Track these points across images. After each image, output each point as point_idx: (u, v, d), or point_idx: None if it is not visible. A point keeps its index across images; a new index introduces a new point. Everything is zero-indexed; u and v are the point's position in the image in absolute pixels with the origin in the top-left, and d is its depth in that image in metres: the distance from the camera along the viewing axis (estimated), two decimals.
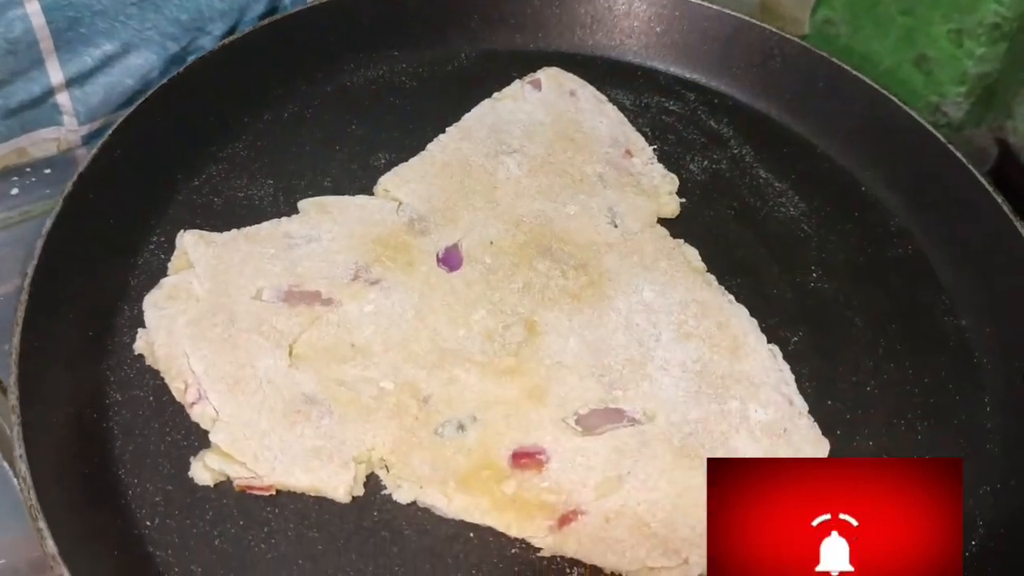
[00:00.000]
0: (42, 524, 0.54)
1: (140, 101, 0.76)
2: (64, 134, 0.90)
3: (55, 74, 0.85)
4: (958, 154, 0.80)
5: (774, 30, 0.89)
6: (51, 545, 0.53)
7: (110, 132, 0.73)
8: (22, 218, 0.83)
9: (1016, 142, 0.96)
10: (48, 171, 0.87)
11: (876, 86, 0.85)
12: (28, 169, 0.87)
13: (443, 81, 0.88)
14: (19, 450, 0.57)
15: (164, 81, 0.78)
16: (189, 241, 0.71)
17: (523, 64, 0.88)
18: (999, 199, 0.77)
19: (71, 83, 0.86)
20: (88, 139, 0.91)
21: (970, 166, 0.79)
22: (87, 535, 0.57)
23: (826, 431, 0.67)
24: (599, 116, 0.84)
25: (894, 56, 0.96)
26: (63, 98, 0.87)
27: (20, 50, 0.81)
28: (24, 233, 0.81)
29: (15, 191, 0.85)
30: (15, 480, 0.65)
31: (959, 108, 0.95)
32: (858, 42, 0.97)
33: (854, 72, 0.86)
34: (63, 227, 0.68)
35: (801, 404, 0.68)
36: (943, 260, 0.79)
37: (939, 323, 0.76)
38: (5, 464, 0.66)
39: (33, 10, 0.79)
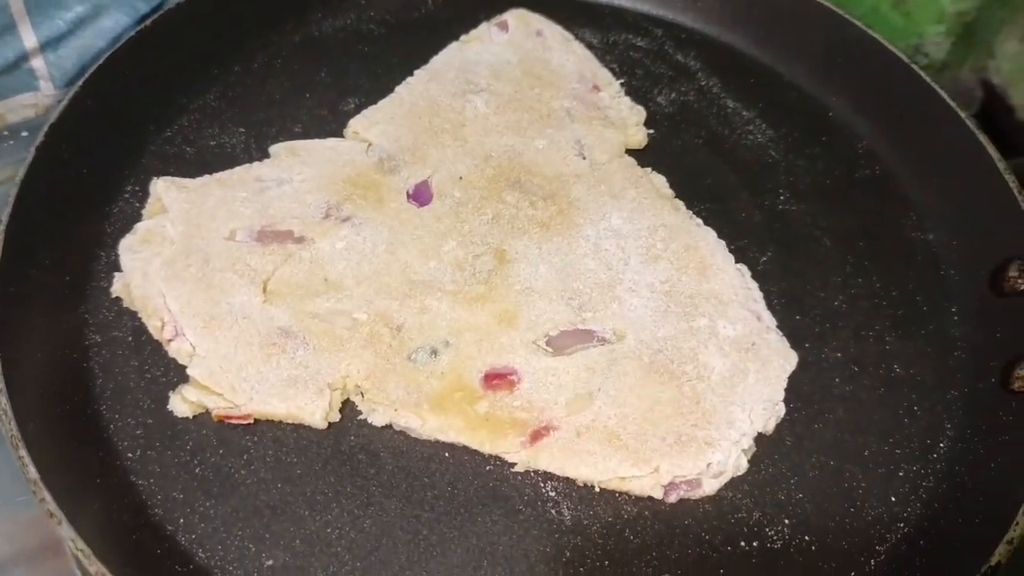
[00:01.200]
0: (23, 452, 0.55)
1: (109, 53, 0.77)
2: (40, 99, 0.90)
3: (28, 38, 0.86)
4: (922, 74, 0.81)
5: None
6: (32, 471, 0.55)
7: (80, 84, 0.74)
8: (1, 180, 0.84)
9: (999, 82, 0.95)
10: (26, 134, 0.88)
11: (840, 12, 0.86)
12: (5, 133, 0.88)
13: (410, 27, 0.89)
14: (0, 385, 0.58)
15: (133, 33, 0.79)
16: (162, 187, 0.72)
17: (490, 7, 0.88)
18: (962, 114, 0.77)
19: (45, 47, 0.87)
20: None
21: (934, 85, 0.80)
22: (68, 464, 0.58)
23: (795, 344, 0.68)
24: (566, 54, 0.84)
25: None
26: (38, 63, 0.88)
27: None
28: (2, 195, 0.82)
29: None
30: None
31: (939, 48, 0.95)
32: None
33: (818, 0, 0.87)
34: (36, 177, 0.69)
35: (769, 319, 0.69)
36: (910, 178, 0.80)
37: (906, 238, 0.76)
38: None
39: None
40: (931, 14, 0.92)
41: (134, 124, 0.77)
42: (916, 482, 0.63)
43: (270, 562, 0.58)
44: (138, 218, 0.72)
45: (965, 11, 0.93)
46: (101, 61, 0.76)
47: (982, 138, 0.75)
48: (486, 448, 0.62)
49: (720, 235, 0.73)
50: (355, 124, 0.78)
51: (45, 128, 0.71)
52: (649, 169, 0.77)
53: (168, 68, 0.80)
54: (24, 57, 0.87)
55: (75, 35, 0.88)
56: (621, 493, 0.61)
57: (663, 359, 0.65)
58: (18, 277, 0.65)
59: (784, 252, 0.74)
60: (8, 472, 0.63)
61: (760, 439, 0.64)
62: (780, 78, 0.87)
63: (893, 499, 0.63)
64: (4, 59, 0.85)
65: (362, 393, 0.64)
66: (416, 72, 0.82)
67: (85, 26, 0.88)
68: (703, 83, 0.86)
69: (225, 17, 0.84)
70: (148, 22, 0.80)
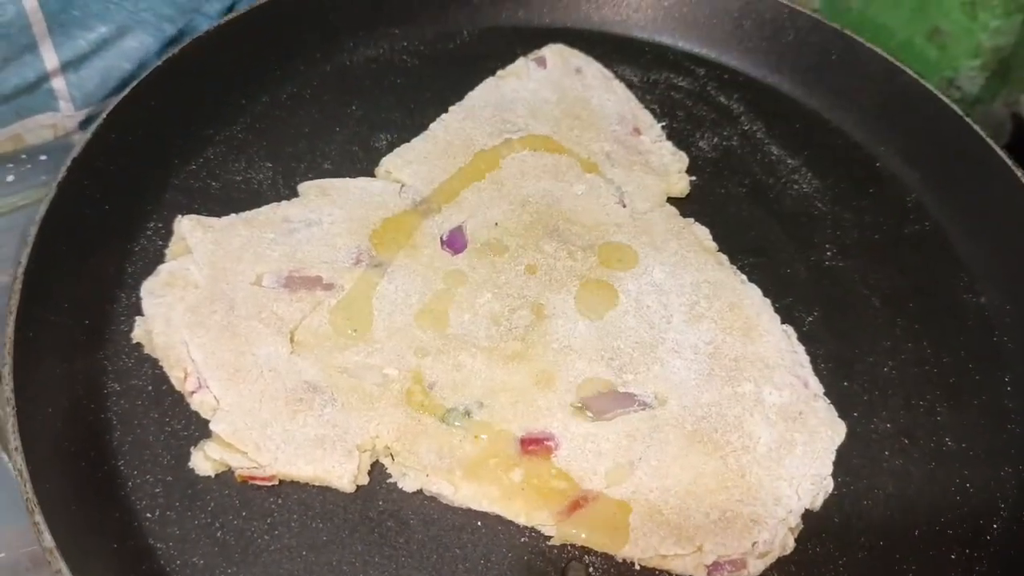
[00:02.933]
0: (39, 518, 0.53)
1: (134, 84, 0.74)
2: (60, 120, 0.88)
3: (49, 58, 0.84)
4: (975, 127, 0.78)
5: (785, 2, 0.86)
6: (48, 539, 0.52)
7: (104, 116, 0.71)
8: (19, 205, 0.82)
9: None
10: (44, 158, 0.86)
11: (890, 58, 0.83)
12: (24, 156, 0.86)
13: (445, 59, 0.86)
14: (15, 442, 0.55)
15: (159, 63, 0.76)
16: (187, 227, 0.69)
17: (526, 41, 0.86)
18: (1018, 172, 0.74)
19: (66, 67, 0.84)
20: (85, 124, 0.89)
21: (988, 139, 0.77)
22: (85, 528, 0.55)
23: (843, 413, 0.65)
24: (606, 93, 0.81)
25: (907, 29, 0.93)
26: (58, 83, 0.85)
27: (12, 34, 0.79)
28: (21, 221, 0.79)
29: (11, 178, 0.83)
30: (13, 472, 0.64)
31: (973, 82, 0.92)
32: (870, 15, 0.95)
33: (867, 44, 0.84)
34: (57, 214, 0.66)
35: (816, 386, 0.66)
36: (962, 236, 0.77)
37: (958, 301, 0.73)
38: (4, 456, 0.65)
39: None
40: (967, 49, 0.90)
41: (158, 157, 0.75)
42: (969, 565, 0.61)
43: None
44: (160, 257, 0.69)
45: (1001, 46, 0.90)
46: (125, 92, 0.73)
47: None
48: (522, 520, 0.59)
49: (765, 292, 0.70)
50: (388, 163, 0.75)
51: (68, 163, 0.68)
52: (692, 220, 0.74)
53: (194, 98, 0.78)
54: (45, 77, 0.84)
55: (98, 56, 0.85)
56: (661, 571, 0.59)
57: (707, 427, 0.63)
58: (36, 321, 0.62)
59: (831, 312, 0.71)
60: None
61: (807, 516, 0.61)
62: (826, 124, 0.84)
63: None
64: (24, 79, 0.83)
65: (392, 455, 0.61)
66: (451, 108, 0.79)
67: (108, 47, 0.86)
68: (746, 127, 0.83)
69: (253, 45, 0.81)
70: (175, 50, 0.77)
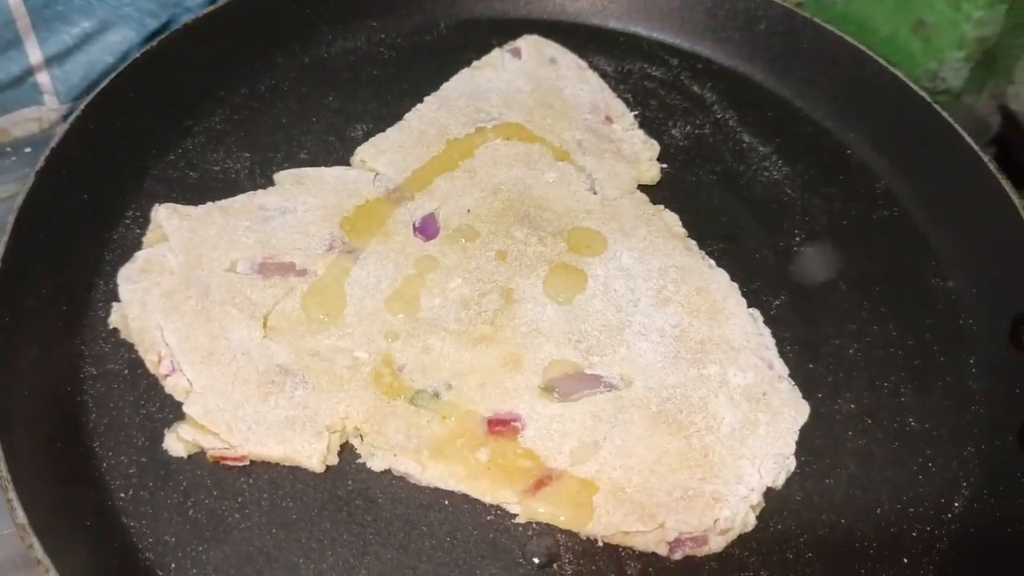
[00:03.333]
0: (11, 495, 0.54)
1: (113, 75, 0.75)
2: (45, 113, 0.89)
3: (34, 53, 0.85)
4: (943, 113, 0.79)
5: None
6: (21, 515, 0.53)
7: (83, 107, 0.72)
8: (2, 197, 0.83)
9: (1018, 108, 0.93)
10: (28, 150, 0.87)
11: (861, 47, 0.84)
12: (8, 149, 0.87)
13: (422, 51, 0.87)
14: None
15: (138, 55, 0.77)
16: (163, 215, 0.71)
17: (503, 32, 0.87)
18: (985, 158, 0.75)
19: (50, 62, 0.86)
20: (69, 118, 0.90)
21: (955, 125, 0.78)
22: (59, 506, 0.57)
23: (807, 394, 0.66)
24: (579, 83, 0.82)
25: (891, 22, 0.93)
26: (43, 77, 0.87)
27: None
28: (3, 212, 0.81)
29: None
30: None
31: (958, 74, 0.92)
32: (854, 8, 0.95)
33: (838, 33, 0.85)
34: (36, 203, 0.67)
35: (781, 367, 0.67)
36: (930, 221, 0.78)
37: (926, 285, 0.74)
38: None
39: None
40: (951, 40, 0.90)
41: (137, 147, 0.76)
42: (929, 543, 0.61)
43: None
44: (138, 245, 0.71)
45: (986, 37, 0.91)
46: (104, 83, 0.74)
47: (1005, 184, 0.73)
48: (487, 497, 0.60)
49: (733, 277, 0.71)
50: (363, 152, 0.76)
51: (46, 152, 0.69)
52: (661, 206, 0.75)
53: (173, 89, 0.79)
54: (29, 72, 0.85)
55: (81, 50, 0.87)
56: (625, 548, 0.60)
57: (671, 408, 0.64)
58: (13, 307, 0.63)
59: (798, 296, 0.72)
60: None
61: (769, 494, 0.62)
62: (798, 112, 0.85)
63: (905, 560, 0.61)
64: (9, 73, 0.84)
65: (361, 436, 0.62)
66: (426, 99, 0.80)
67: (92, 41, 0.87)
68: (719, 116, 0.84)
69: (232, 37, 0.83)
70: (154, 43, 0.79)
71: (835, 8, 0.96)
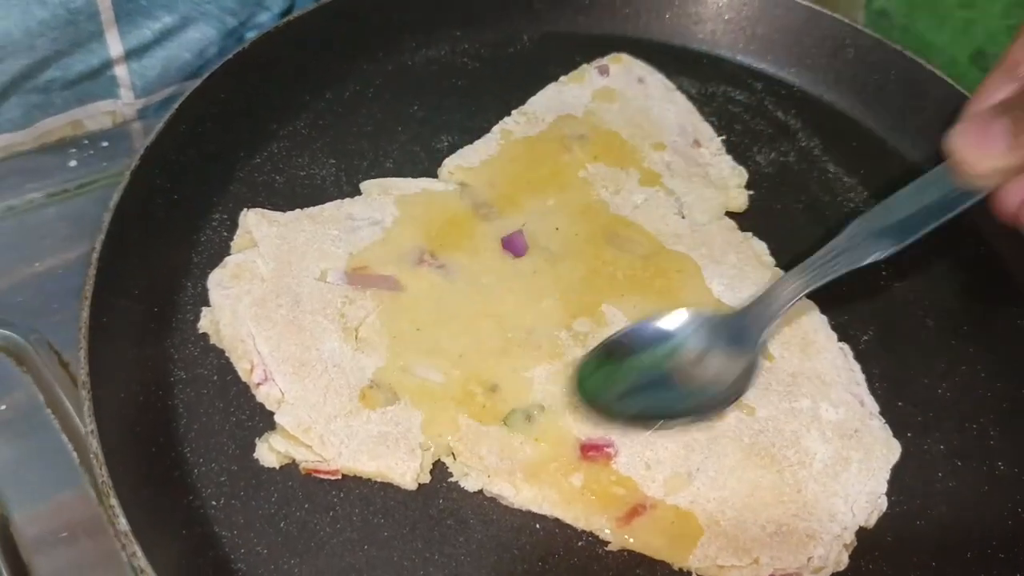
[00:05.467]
0: (114, 501, 0.54)
1: (204, 77, 0.75)
2: (120, 107, 0.89)
3: (114, 46, 0.85)
4: None
5: (847, 20, 0.86)
6: (123, 523, 0.53)
7: (175, 108, 0.72)
8: (78, 191, 0.83)
9: None
10: (105, 144, 0.87)
11: (950, 81, 0.83)
12: (86, 141, 0.87)
13: (505, 63, 0.87)
14: (91, 425, 0.56)
15: (228, 57, 0.77)
16: (252, 220, 0.70)
17: (586, 48, 0.87)
18: None
19: (130, 56, 0.86)
20: (143, 113, 0.90)
21: None
22: (156, 512, 0.56)
23: (897, 433, 0.65)
24: (667, 104, 0.82)
25: (950, 51, 0.93)
26: (121, 71, 0.87)
27: (81, 21, 0.80)
28: (80, 206, 0.81)
29: (73, 163, 0.84)
30: (73, 453, 0.65)
31: None
32: (913, 36, 0.94)
33: (928, 66, 0.84)
34: (129, 202, 0.67)
35: (872, 404, 0.66)
36: (1018, 260, 0.77)
37: (1013, 324, 0.74)
38: (63, 436, 0.66)
39: None
40: None
41: (224, 150, 0.76)
42: None
43: None
44: (225, 248, 0.70)
45: None
46: (197, 85, 0.74)
47: None
48: (580, 523, 0.60)
49: (821, 309, 0.70)
50: (450, 164, 0.76)
51: (142, 151, 0.69)
52: (750, 234, 0.75)
53: (260, 93, 0.78)
54: (108, 64, 0.85)
55: (160, 45, 0.87)
56: None
57: (764, 441, 0.63)
58: (109, 308, 0.63)
59: (886, 332, 0.72)
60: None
61: (861, 533, 0.61)
62: (883, 144, 0.84)
63: None
64: (89, 65, 0.84)
65: (454, 455, 0.62)
66: (513, 112, 0.80)
67: (171, 37, 0.87)
68: (803, 144, 0.83)
69: (317, 43, 0.82)
70: (244, 45, 0.78)
71: (893, 34, 0.95)
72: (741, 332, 0.64)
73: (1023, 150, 0.55)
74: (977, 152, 0.56)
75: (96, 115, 0.89)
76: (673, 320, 0.64)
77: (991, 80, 0.62)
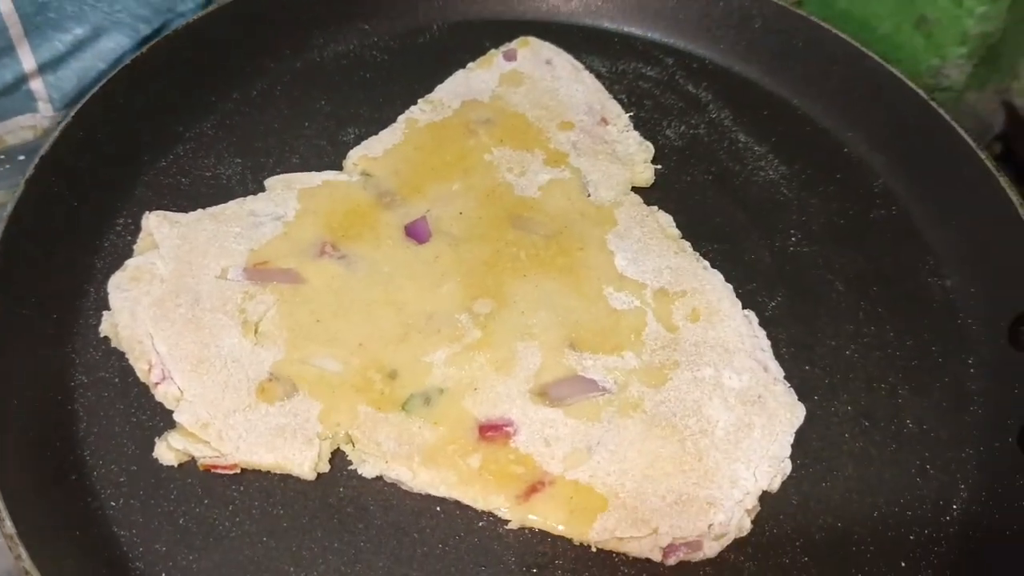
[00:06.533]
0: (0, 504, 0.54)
1: (103, 81, 0.75)
2: (39, 120, 0.89)
3: (27, 60, 0.85)
4: (941, 111, 0.78)
5: None
6: (8, 525, 0.53)
7: (73, 113, 0.72)
8: None
9: (1023, 104, 0.92)
10: (22, 158, 0.87)
11: (857, 44, 0.83)
12: (2, 156, 0.87)
13: (415, 54, 0.87)
14: None
15: (128, 61, 0.77)
16: (154, 222, 0.70)
17: (496, 34, 0.86)
18: (983, 155, 0.74)
19: (44, 69, 0.85)
20: None
21: (954, 123, 0.77)
22: (48, 516, 0.56)
23: (803, 396, 0.65)
24: (575, 84, 0.82)
25: (893, 19, 0.92)
26: (36, 84, 0.87)
27: None
28: None
29: None
30: None
31: (961, 70, 0.91)
32: (857, 6, 0.94)
33: (835, 31, 0.84)
34: (26, 210, 0.67)
35: (777, 369, 0.66)
36: (928, 220, 0.77)
37: (923, 284, 0.74)
38: None
39: None
40: (953, 36, 0.89)
41: (128, 154, 0.76)
42: (928, 547, 0.61)
43: None
44: (129, 252, 0.70)
45: (989, 33, 0.90)
46: (94, 90, 0.74)
47: (1003, 181, 0.72)
48: (479, 504, 0.60)
49: (728, 278, 0.70)
50: (354, 156, 0.76)
51: (36, 160, 0.69)
52: (655, 207, 0.75)
53: (164, 96, 0.79)
54: (23, 79, 0.85)
55: (74, 57, 0.87)
56: (618, 554, 0.59)
57: (665, 411, 0.63)
58: (4, 316, 0.63)
59: (794, 297, 0.72)
60: None
61: (765, 498, 0.61)
62: (794, 111, 0.84)
63: (903, 564, 0.60)
64: (2, 81, 0.84)
65: (352, 443, 0.62)
66: (419, 101, 0.80)
67: (85, 48, 0.87)
68: (714, 115, 0.83)
69: (223, 43, 0.82)
70: (144, 49, 0.79)
71: (836, 5, 0.95)
72: None
73: None
74: None
75: (16, 130, 0.89)
76: None
77: None
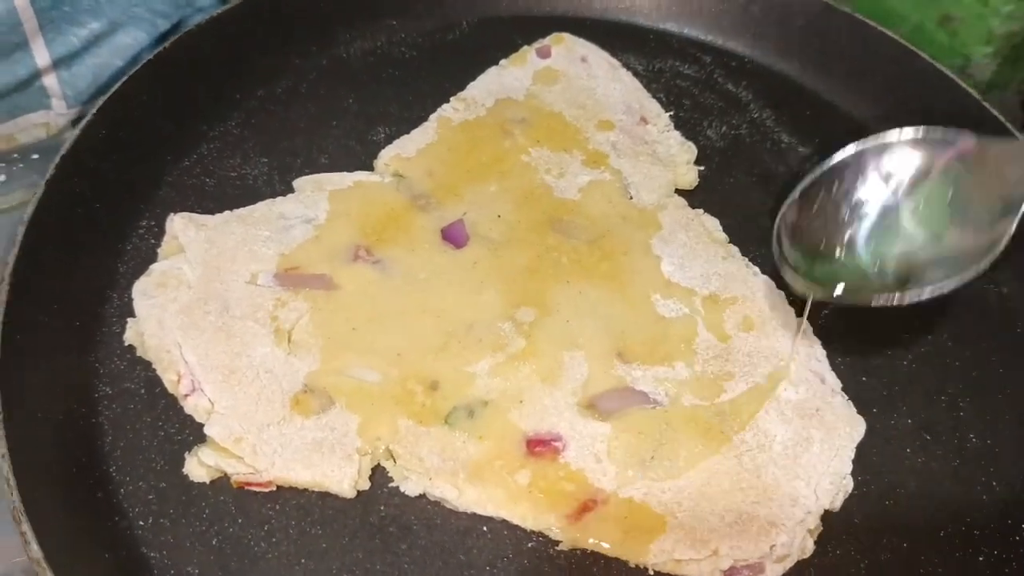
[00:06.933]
0: (25, 527, 0.51)
1: (124, 79, 0.72)
2: (53, 118, 0.86)
3: (41, 56, 0.81)
4: (992, 110, 0.75)
5: None
6: (35, 549, 0.50)
7: (93, 112, 0.69)
8: (11, 206, 0.80)
9: None
10: (36, 157, 0.84)
11: (900, 40, 0.81)
12: (16, 155, 0.84)
13: (444, 50, 0.84)
14: (1, 448, 0.53)
15: (150, 57, 0.74)
16: (179, 225, 0.67)
17: (527, 30, 0.84)
18: None
19: (58, 64, 0.82)
20: (78, 123, 0.86)
21: (1006, 123, 0.74)
22: (75, 537, 0.53)
23: (861, 409, 0.62)
24: (612, 82, 0.79)
25: (917, 15, 0.90)
26: (50, 80, 0.83)
27: (3, 32, 0.77)
28: (12, 222, 0.78)
29: (2, 178, 0.81)
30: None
31: (985, 69, 0.90)
32: (877, 2, 0.92)
33: (878, 27, 0.82)
34: (46, 213, 0.64)
35: (834, 381, 0.64)
36: None
37: (979, 292, 0.71)
38: None
39: None
40: (978, 35, 0.87)
41: (150, 153, 0.72)
42: (999, 568, 0.58)
43: None
44: (153, 256, 0.67)
45: (1014, 32, 0.88)
46: (116, 87, 0.71)
47: None
48: (528, 523, 0.57)
49: (777, 284, 0.67)
50: (385, 156, 0.73)
51: (56, 160, 0.66)
52: (700, 211, 0.72)
53: (187, 93, 0.76)
54: (36, 75, 0.82)
55: (90, 52, 0.83)
56: None
57: (720, 425, 0.60)
58: (24, 324, 0.60)
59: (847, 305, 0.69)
60: None
61: (826, 517, 0.58)
62: (836, 110, 0.82)
63: None
64: (16, 77, 0.81)
65: (394, 458, 0.59)
66: (451, 99, 0.77)
67: (100, 43, 0.83)
68: (755, 115, 0.81)
69: (247, 39, 0.79)
70: (167, 44, 0.75)
71: (861, 0, 0.93)
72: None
73: None
74: None
75: (28, 128, 0.86)
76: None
77: None
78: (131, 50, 0.85)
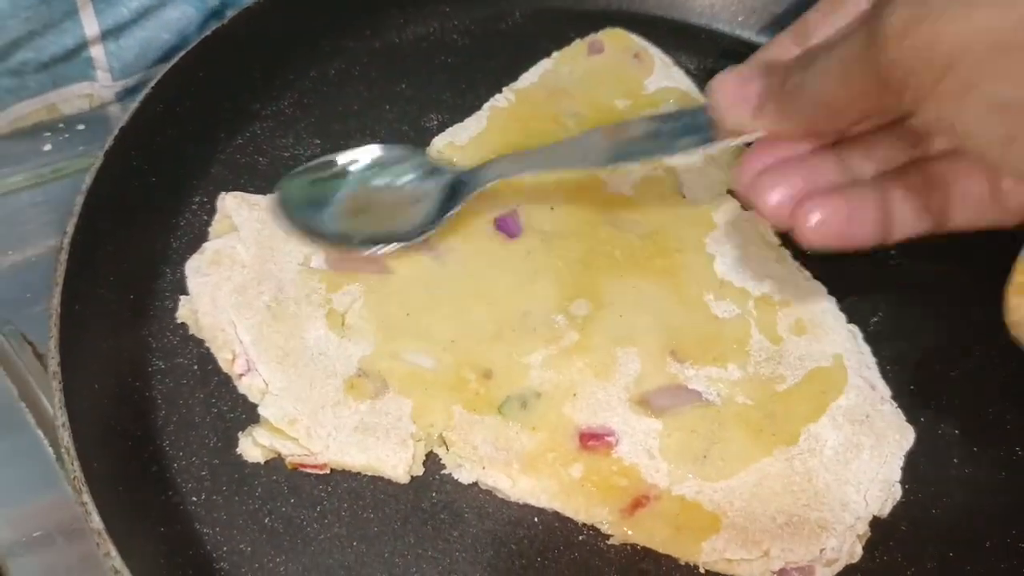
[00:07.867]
0: (87, 498, 0.51)
1: (182, 54, 0.71)
2: (97, 90, 0.86)
3: (89, 26, 0.81)
4: None
5: None
6: (97, 520, 0.50)
7: (151, 86, 0.69)
8: (54, 176, 0.80)
9: None
10: (81, 127, 0.84)
11: None
12: (61, 125, 0.84)
13: (496, 39, 0.83)
14: (61, 418, 0.53)
15: (206, 34, 0.73)
16: (231, 204, 0.67)
17: (579, 23, 0.83)
18: None
19: (106, 36, 0.82)
20: (122, 96, 0.87)
21: None
22: (132, 510, 0.53)
23: (910, 418, 0.62)
24: (665, 80, 0.79)
25: None
26: (97, 52, 0.83)
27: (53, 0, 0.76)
28: (55, 191, 0.78)
29: (48, 147, 0.81)
30: (49, 449, 0.62)
31: None
32: None
33: None
34: (103, 184, 0.64)
35: (884, 389, 0.64)
36: None
37: None
38: (39, 432, 0.63)
39: None
40: None
41: (204, 131, 0.72)
42: None
43: None
44: (205, 233, 0.67)
45: None
46: (174, 62, 0.71)
47: None
48: (580, 516, 0.57)
49: (829, 290, 0.67)
50: (439, 143, 0.73)
51: (115, 131, 0.66)
52: (753, 212, 0.71)
53: (241, 71, 0.75)
54: (84, 45, 0.82)
55: (139, 25, 0.83)
56: None
57: (772, 428, 0.60)
58: (82, 295, 0.59)
59: (896, 313, 0.69)
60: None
61: (874, 523, 0.59)
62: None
63: None
64: (63, 46, 0.80)
65: (447, 445, 0.59)
66: (504, 90, 0.77)
67: (149, 16, 0.83)
68: None
69: (301, 19, 0.79)
70: (223, 21, 0.75)
71: None
72: (456, 186, 0.66)
73: (765, 119, 0.52)
74: (727, 105, 0.54)
75: (72, 98, 0.86)
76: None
77: (780, 38, 0.59)
78: (179, 24, 0.85)
